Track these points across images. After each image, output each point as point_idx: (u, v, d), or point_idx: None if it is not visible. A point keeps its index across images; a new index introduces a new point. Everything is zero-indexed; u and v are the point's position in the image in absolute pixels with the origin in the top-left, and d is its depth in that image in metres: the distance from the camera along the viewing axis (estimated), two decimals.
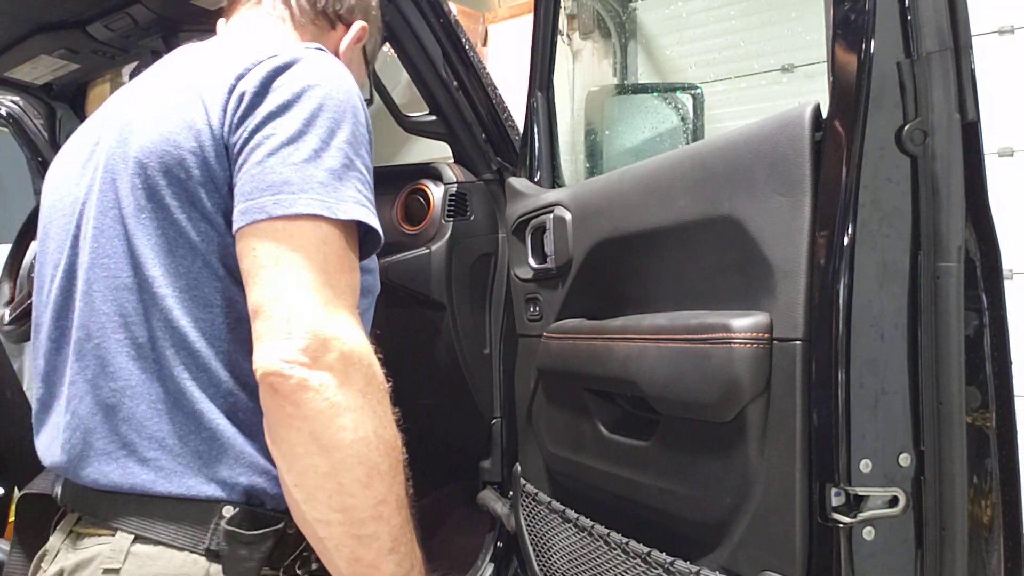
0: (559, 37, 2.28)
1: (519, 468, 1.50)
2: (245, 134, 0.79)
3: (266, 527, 0.80)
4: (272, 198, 0.75)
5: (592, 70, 3.25)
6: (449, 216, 1.66)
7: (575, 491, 1.30)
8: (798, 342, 0.85)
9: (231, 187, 0.80)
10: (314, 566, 0.85)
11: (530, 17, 1.58)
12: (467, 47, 1.65)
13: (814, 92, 0.88)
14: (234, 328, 0.81)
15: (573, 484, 1.31)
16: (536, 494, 1.42)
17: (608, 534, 1.15)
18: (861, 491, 0.81)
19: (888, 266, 0.82)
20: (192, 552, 0.78)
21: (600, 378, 1.18)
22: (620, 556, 1.12)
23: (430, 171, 1.72)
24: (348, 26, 1.07)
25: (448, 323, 1.67)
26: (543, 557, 1.36)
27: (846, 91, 0.83)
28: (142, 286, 0.81)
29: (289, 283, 0.73)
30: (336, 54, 1.04)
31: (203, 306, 0.81)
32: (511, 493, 1.56)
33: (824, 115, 0.85)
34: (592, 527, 1.20)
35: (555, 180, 1.58)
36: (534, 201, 1.41)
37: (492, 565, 1.68)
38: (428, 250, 1.66)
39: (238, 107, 0.80)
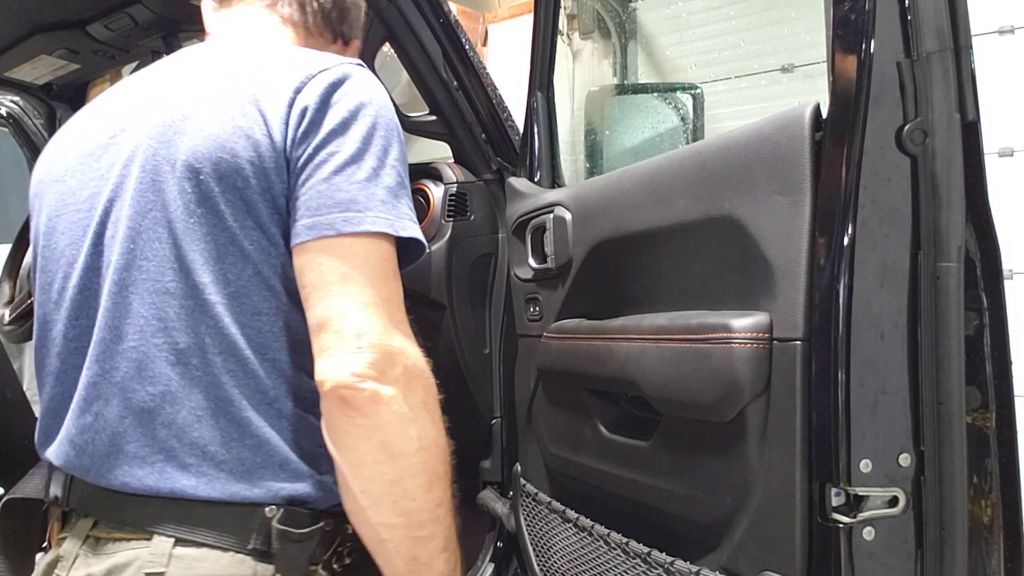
0: (559, 37, 2.28)
1: (519, 468, 1.50)
2: (309, 150, 0.81)
3: (312, 526, 0.83)
4: (341, 215, 0.79)
5: (592, 70, 3.25)
6: (449, 216, 1.66)
7: (575, 491, 1.30)
8: (798, 342, 0.85)
9: (287, 200, 0.82)
10: (347, 560, 0.90)
11: (530, 17, 1.58)
12: (467, 47, 1.65)
13: (814, 92, 0.88)
14: (280, 337, 0.83)
15: (573, 484, 1.31)
16: (536, 494, 1.42)
17: (608, 534, 1.15)
18: (861, 491, 0.81)
19: (888, 266, 0.82)
20: (238, 552, 0.79)
21: (600, 378, 1.18)
22: (620, 556, 1.12)
23: (430, 171, 1.72)
24: (347, 43, 1.10)
25: (448, 323, 1.67)
26: (543, 557, 1.36)
27: (846, 91, 0.83)
28: (189, 292, 0.81)
29: (357, 299, 0.77)
30: None
31: (251, 314, 0.82)
32: (511, 493, 1.56)
33: (824, 115, 0.85)
34: (592, 527, 1.20)
35: (555, 180, 1.58)
36: (534, 201, 1.41)
37: (492, 565, 1.67)
38: (428, 250, 1.65)
39: (300, 122, 0.82)
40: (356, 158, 0.81)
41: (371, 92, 0.86)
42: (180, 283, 0.81)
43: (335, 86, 0.84)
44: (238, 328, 0.81)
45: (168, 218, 0.82)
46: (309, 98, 0.82)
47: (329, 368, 0.76)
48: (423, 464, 0.79)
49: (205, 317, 0.81)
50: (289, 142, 0.81)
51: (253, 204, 0.81)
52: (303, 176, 0.81)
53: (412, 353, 0.79)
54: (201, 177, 0.81)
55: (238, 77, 0.86)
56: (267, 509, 0.81)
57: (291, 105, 0.82)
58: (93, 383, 0.83)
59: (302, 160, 0.81)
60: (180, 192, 0.81)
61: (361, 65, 0.89)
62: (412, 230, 0.83)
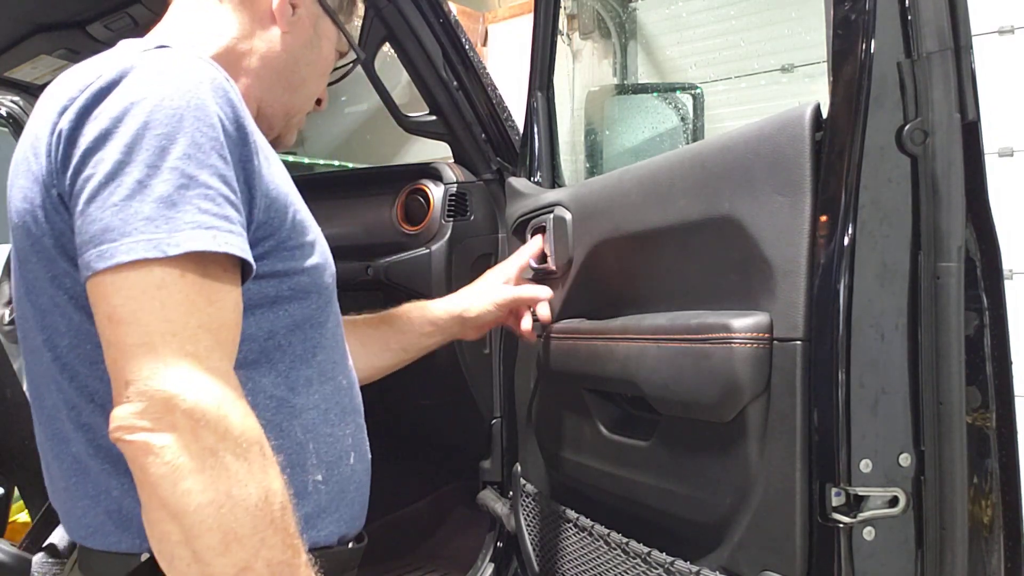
0: (559, 37, 2.28)
1: (519, 468, 1.50)
2: (68, 180, 0.72)
3: None
4: (95, 251, 0.68)
5: (592, 70, 3.25)
6: (449, 216, 1.66)
7: (575, 491, 1.30)
8: (798, 342, 0.85)
9: None
10: None
11: (530, 17, 1.58)
12: (467, 47, 1.65)
13: (814, 92, 0.88)
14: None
15: (573, 484, 1.31)
16: (536, 494, 1.42)
17: (608, 534, 1.15)
18: (861, 491, 0.81)
19: (888, 266, 0.82)
20: None
21: (600, 378, 1.18)
22: (620, 556, 1.12)
23: (430, 171, 1.72)
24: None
25: None
26: (543, 557, 1.36)
27: (846, 91, 0.82)
28: (36, 349, 0.80)
29: (123, 342, 0.68)
30: (273, 20, 0.94)
31: (88, 363, 0.77)
32: (511, 493, 1.56)
33: (824, 115, 0.85)
34: (592, 527, 1.20)
35: (555, 180, 1.58)
36: (534, 201, 1.41)
37: (492, 565, 1.67)
38: (428, 250, 1.65)
39: (58, 149, 0.73)
40: (114, 175, 0.69)
41: (145, 88, 0.72)
42: (33, 340, 0.80)
43: (98, 97, 0.72)
44: (78, 381, 0.77)
45: (18, 273, 0.80)
46: (67, 119, 0.72)
47: (110, 420, 0.68)
48: (211, 523, 0.66)
49: (51, 373, 0.79)
50: (54, 177, 0.73)
51: (52, 255, 0.75)
52: (72, 211, 0.72)
53: (194, 393, 0.67)
54: (16, 234, 0.78)
55: (38, 107, 0.80)
56: (143, 555, 0.77)
57: (52, 132, 0.74)
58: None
59: (68, 194, 0.72)
60: (15, 248, 0.79)
61: (163, 47, 0.77)
62: (192, 242, 0.68)
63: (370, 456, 0.97)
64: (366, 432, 0.97)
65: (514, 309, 1.27)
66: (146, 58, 0.75)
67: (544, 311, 1.25)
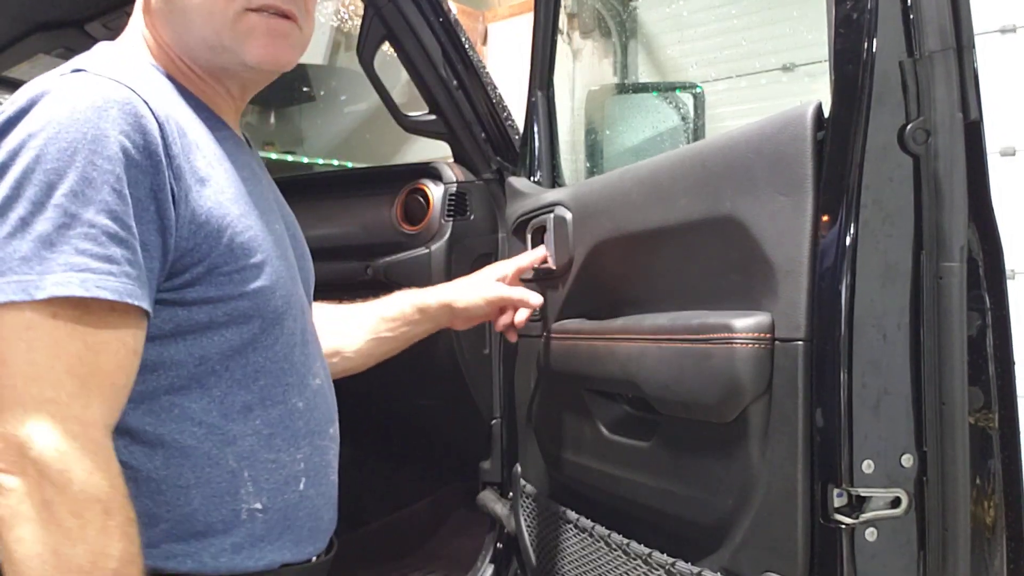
0: (559, 36, 2.28)
1: (519, 469, 1.50)
2: None
3: None
4: None
5: (592, 69, 3.24)
6: (449, 216, 1.66)
7: (575, 492, 1.30)
8: (800, 342, 0.85)
9: None
10: None
11: (530, 16, 1.58)
12: (467, 46, 1.65)
13: (816, 91, 0.87)
14: None
15: (573, 485, 1.30)
16: (536, 495, 1.41)
17: (609, 535, 1.15)
18: (863, 492, 0.81)
19: (890, 266, 0.82)
20: None
21: (600, 378, 1.18)
22: (621, 557, 1.12)
23: (430, 171, 1.72)
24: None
25: None
26: (543, 558, 1.35)
27: (848, 90, 0.82)
28: None
29: None
30: None
31: None
32: (511, 494, 1.56)
33: (826, 114, 0.85)
34: (593, 528, 1.19)
35: (555, 180, 1.58)
36: (534, 201, 1.40)
37: (492, 566, 1.67)
38: (428, 250, 1.65)
39: None
40: (1, 211, 0.68)
41: (44, 119, 0.70)
42: None
43: (4, 128, 0.72)
44: None
45: None
46: None
47: None
48: (39, 574, 0.65)
49: None
50: None
51: None
52: None
53: (44, 443, 0.66)
54: None
55: None
56: None
57: None
58: None
59: None
60: None
61: (79, 71, 0.74)
62: (60, 287, 0.67)
63: (335, 478, 0.94)
64: (333, 452, 0.94)
65: (503, 308, 1.26)
66: (57, 85, 0.73)
67: (522, 317, 1.25)
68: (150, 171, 0.73)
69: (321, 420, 0.92)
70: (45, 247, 0.67)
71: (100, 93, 0.72)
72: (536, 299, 1.26)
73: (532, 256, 1.32)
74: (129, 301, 0.70)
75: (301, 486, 0.87)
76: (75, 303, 0.68)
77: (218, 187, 0.80)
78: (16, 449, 0.66)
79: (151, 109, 0.74)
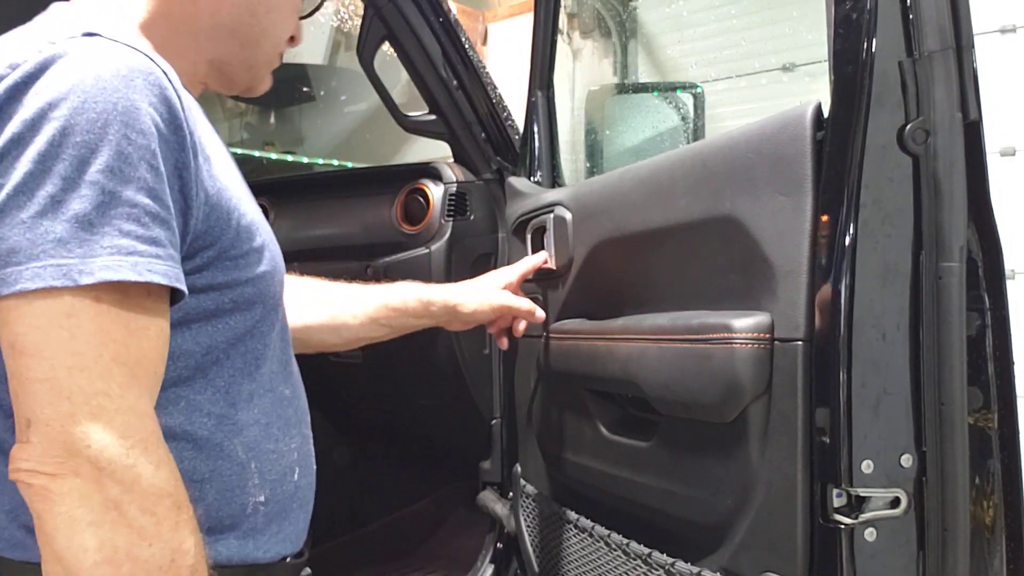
0: (559, 36, 2.28)
1: (519, 469, 1.50)
2: None
3: None
4: None
5: (592, 69, 3.24)
6: (449, 216, 1.66)
7: (575, 492, 1.30)
8: (799, 342, 0.85)
9: None
10: None
11: (530, 16, 1.58)
12: (467, 46, 1.65)
13: (815, 91, 0.87)
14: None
15: (573, 485, 1.30)
16: (536, 495, 1.41)
17: (609, 535, 1.15)
18: (863, 492, 0.81)
19: (890, 266, 0.82)
20: None
21: (600, 378, 1.18)
22: (621, 557, 1.12)
23: (430, 171, 1.72)
24: None
25: None
26: (543, 558, 1.35)
27: (848, 90, 0.82)
28: None
29: (26, 375, 0.61)
30: None
31: None
32: (511, 494, 1.56)
33: (825, 114, 0.85)
34: (593, 528, 1.19)
35: (555, 180, 1.58)
36: (534, 201, 1.40)
37: (492, 566, 1.67)
38: (428, 250, 1.65)
39: None
40: (24, 188, 0.61)
41: (66, 87, 0.63)
42: None
43: (13, 94, 0.64)
44: None
45: None
46: None
47: (10, 460, 0.63)
48: None
49: None
50: None
51: None
52: None
53: (102, 439, 0.61)
54: None
55: None
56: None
57: None
58: None
59: None
60: None
61: (91, 35, 0.67)
62: (108, 271, 0.61)
63: (315, 468, 0.91)
64: (312, 443, 0.92)
65: (505, 316, 1.26)
66: (71, 48, 0.65)
67: (521, 327, 1.25)
68: (175, 147, 0.68)
69: (303, 409, 0.90)
70: (84, 228, 0.61)
71: (123, 61, 0.66)
72: (540, 313, 1.27)
73: (533, 261, 1.32)
74: (177, 286, 0.66)
75: (296, 476, 0.85)
76: (117, 286, 0.63)
77: (219, 166, 0.77)
78: (64, 449, 0.60)
79: (171, 81, 0.69)
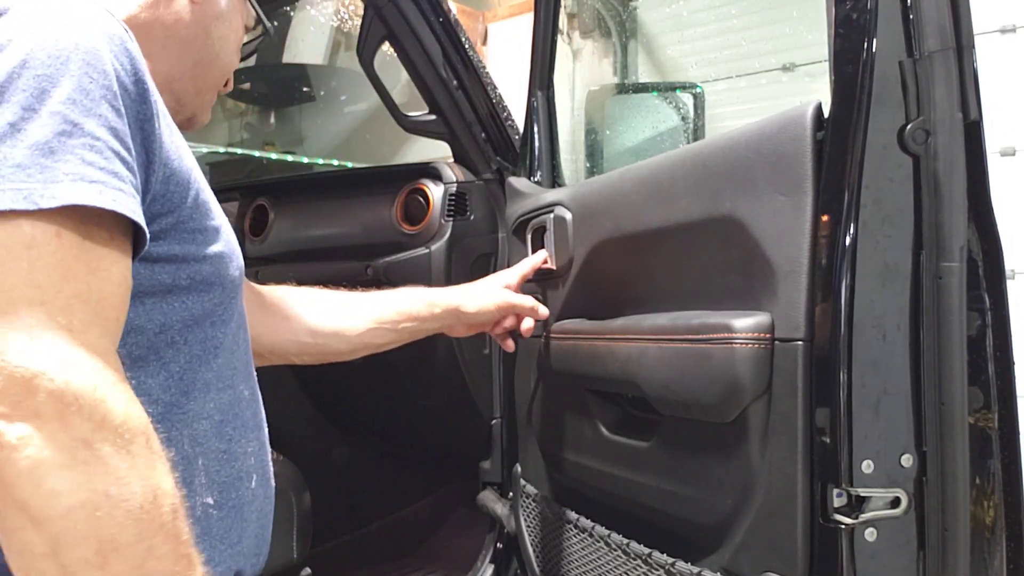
0: (559, 36, 2.28)
1: (519, 469, 1.50)
2: None
3: None
4: None
5: (592, 69, 3.24)
6: (449, 216, 1.66)
7: (576, 492, 1.30)
8: (800, 342, 0.85)
9: None
10: None
11: (530, 16, 1.58)
12: (467, 46, 1.65)
13: (815, 91, 0.87)
14: None
15: (574, 485, 1.30)
16: (536, 495, 1.41)
17: (609, 535, 1.15)
18: (863, 492, 0.81)
19: (890, 266, 0.82)
20: None
21: (601, 378, 1.18)
22: (621, 557, 1.12)
23: (430, 171, 1.72)
24: None
25: None
26: (543, 558, 1.35)
27: (848, 90, 0.82)
28: None
29: None
30: None
31: None
32: (511, 494, 1.56)
33: (826, 114, 0.85)
34: (593, 528, 1.19)
35: (555, 180, 1.58)
36: (534, 201, 1.40)
37: (492, 566, 1.67)
38: (428, 250, 1.65)
39: None
40: None
41: (25, 26, 0.62)
42: None
43: None
44: None
45: None
46: None
47: None
48: (83, 529, 0.55)
49: None
50: None
51: None
52: None
53: (64, 373, 0.56)
54: None
55: None
56: None
57: None
58: None
59: None
60: None
61: None
62: (71, 195, 0.58)
63: (274, 484, 0.86)
64: (269, 456, 0.86)
65: (508, 315, 1.26)
66: None
67: (529, 325, 1.25)
68: (137, 99, 0.65)
69: (261, 416, 0.86)
70: (44, 155, 0.58)
71: (84, 11, 0.65)
72: (544, 311, 1.27)
73: (533, 262, 1.32)
74: (140, 222, 0.62)
75: (253, 483, 0.80)
76: (79, 219, 0.59)
77: (180, 139, 0.75)
78: (21, 386, 0.55)
79: (131, 38, 0.68)
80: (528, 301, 1.25)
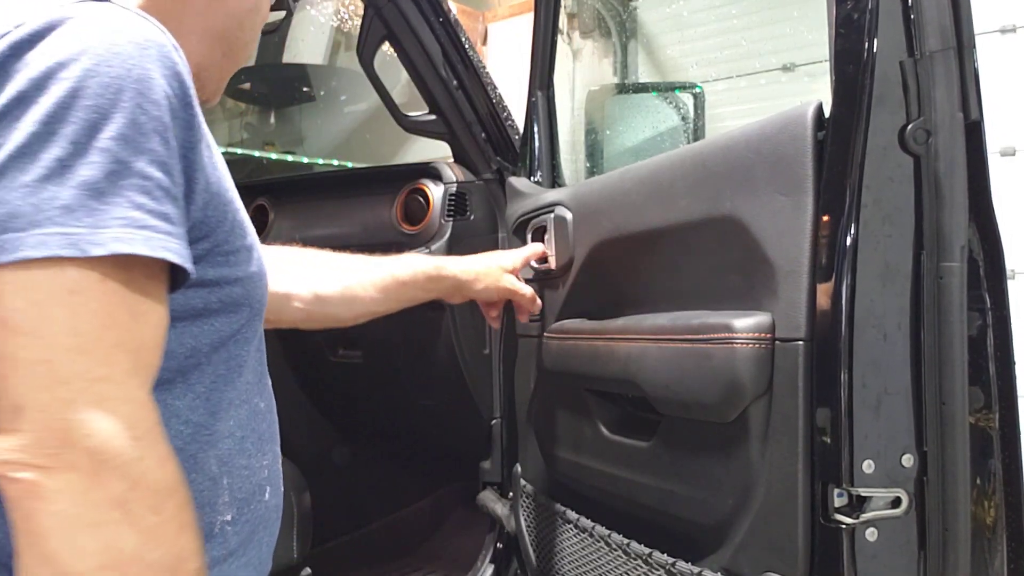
0: (559, 36, 2.28)
1: (519, 469, 1.50)
2: None
3: None
4: None
5: (592, 69, 3.24)
6: (449, 216, 1.66)
7: (576, 492, 1.30)
8: (800, 342, 0.85)
9: None
10: None
11: (530, 16, 1.58)
12: (467, 46, 1.65)
13: (816, 91, 0.87)
14: None
15: (574, 485, 1.30)
16: (536, 495, 1.41)
17: (609, 535, 1.15)
18: (864, 492, 0.81)
19: (891, 266, 0.81)
20: None
21: (601, 378, 1.18)
22: (621, 557, 1.12)
23: (430, 171, 1.72)
24: None
25: (448, 323, 1.67)
26: (543, 558, 1.35)
27: (848, 90, 0.82)
28: None
29: (19, 356, 0.55)
30: None
31: None
32: (511, 494, 1.56)
33: (826, 114, 0.85)
34: (593, 528, 1.19)
35: (555, 180, 1.58)
36: (534, 201, 1.40)
37: (492, 566, 1.67)
38: (428, 250, 1.65)
39: None
40: (28, 149, 0.56)
41: (83, 44, 0.58)
42: None
43: (17, 51, 0.58)
44: None
45: None
46: None
47: None
48: None
49: None
50: None
51: None
52: None
53: (105, 429, 0.55)
54: None
55: None
56: None
57: None
58: None
59: None
60: None
61: (104, 1, 0.62)
62: (119, 244, 0.56)
63: (283, 490, 0.86)
64: (281, 462, 0.86)
65: (504, 300, 1.29)
66: (81, 11, 0.60)
67: (523, 316, 1.30)
68: (185, 127, 0.64)
69: (275, 425, 0.85)
70: (93, 196, 0.56)
71: (137, 29, 0.61)
72: (539, 303, 1.33)
73: (534, 249, 1.35)
74: (188, 267, 0.61)
75: (266, 496, 0.80)
76: (123, 265, 0.57)
77: (219, 155, 0.73)
78: (59, 439, 0.54)
79: (181, 58, 0.65)
80: (528, 291, 1.29)
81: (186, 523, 0.60)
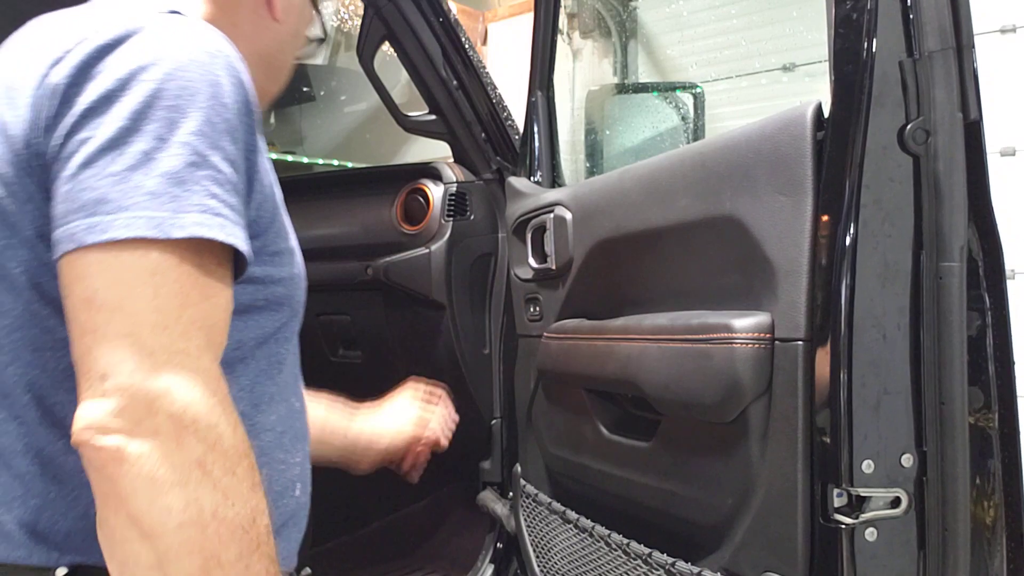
0: (559, 36, 2.28)
1: (519, 469, 1.50)
2: (59, 139, 0.64)
3: None
4: (85, 221, 0.60)
5: (592, 69, 3.24)
6: (449, 216, 1.66)
7: (576, 492, 1.30)
8: (800, 342, 0.85)
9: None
10: None
11: (530, 16, 1.58)
12: (467, 46, 1.65)
13: (815, 91, 0.87)
14: (64, 380, 0.67)
15: (574, 485, 1.30)
16: (536, 495, 1.41)
17: (609, 535, 1.15)
18: (863, 492, 0.81)
19: (890, 266, 0.81)
20: None
21: (600, 378, 1.18)
22: (621, 557, 1.12)
23: (430, 171, 1.72)
24: None
25: (448, 323, 1.67)
26: (543, 558, 1.35)
27: (848, 90, 0.82)
28: None
29: (106, 330, 0.59)
30: (265, 3, 0.86)
31: (32, 350, 0.68)
32: (511, 494, 1.56)
33: (826, 114, 0.85)
34: (593, 528, 1.19)
35: (555, 180, 1.58)
36: (534, 201, 1.40)
37: (492, 566, 1.67)
38: (428, 250, 1.65)
39: (50, 104, 0.64)
40: (116, 142, 0.61)
41: (162, 50, 0.65)
42: None
43: (103, 51, 0.64)
44: (17, 369, 0.68)
45: None
46: (61, 72, 0.64)
47: (75, 418, 0.59)
48: (191, 545, 0.58)
49: None
50: (36, 132, 0.65)
51: (13, 217, 0.66)
52: (54, 175, 0.64)
53: (184, 395, 0.59)
54: None
55: (15, 58, 0.71)
56: (58, 571, 0.68)
57: (41, 83, 0.65)
58: None
59: (52, 153, 0.64)
60: None
61: (176, 13, 0.70)
62: (198, 228, 0.61)
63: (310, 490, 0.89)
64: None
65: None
66: (157, 21, 0.67)
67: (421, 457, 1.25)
68: (248, 130, 0.69)
69: (307, 426, 0.89)
70: (174, 184, 0.61)
71: (208, 39, 0.68)
72: (444, 442, 1.28)
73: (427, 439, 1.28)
74: (250, 258, 0.67)
75: (297, 492, 0.83)
76: (197, 250, 0.62)
77: (269, 160, 0.77)
78: (144, 406, 0.58)
79: (244, 67, 0.71)
80: (432, 433, 1.25)
81: (257, 483, 0.63)
